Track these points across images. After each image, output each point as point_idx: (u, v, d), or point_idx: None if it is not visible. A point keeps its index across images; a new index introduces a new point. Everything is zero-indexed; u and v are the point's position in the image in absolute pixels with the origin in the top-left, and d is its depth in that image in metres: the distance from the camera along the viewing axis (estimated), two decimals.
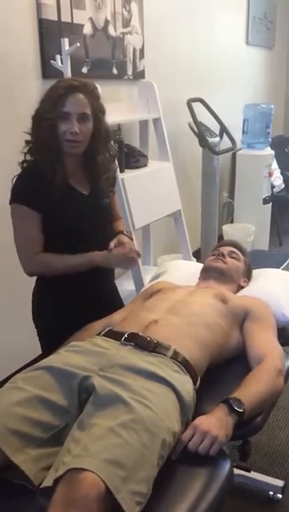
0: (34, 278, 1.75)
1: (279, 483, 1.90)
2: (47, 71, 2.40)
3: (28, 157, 1.62)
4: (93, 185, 1.69)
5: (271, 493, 1.88)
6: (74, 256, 1.63)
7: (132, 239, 1.81)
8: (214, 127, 3.74)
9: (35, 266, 1.64)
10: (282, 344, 1.54)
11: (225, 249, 1.92)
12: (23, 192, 1.58)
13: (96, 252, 1.64)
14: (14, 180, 1.60)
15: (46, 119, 1.52)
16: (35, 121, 1.56)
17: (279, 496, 1.87)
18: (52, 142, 1.54)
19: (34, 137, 1.58)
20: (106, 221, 1.78)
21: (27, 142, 1.60)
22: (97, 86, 1.61)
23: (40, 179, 1.55)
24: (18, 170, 1.63)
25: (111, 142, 1.72)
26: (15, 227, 1.63)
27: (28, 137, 1.60)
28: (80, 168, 1.67)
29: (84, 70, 2.64)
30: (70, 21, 2.50)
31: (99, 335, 1.47)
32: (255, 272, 1.98)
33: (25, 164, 1.62)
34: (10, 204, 1.61)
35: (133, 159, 2.79)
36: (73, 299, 1.68)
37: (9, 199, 1.61)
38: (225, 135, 3.79)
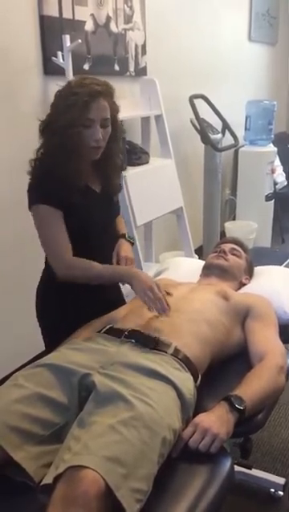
0: (36, 276, 1.75)
1: (281, 480, 1.90)
2: (49, 67, 2.40)
3: (39, 155, 1.57)
4: (104, 183, 1.68)
5: (272, 490, 1.88)
6: (107, 266, 1.60)
7: (132, 244, 1.80)
8: (216, 123, 3.73)
9: (70, 268, 1.56)
10: (284, 342, 1.54)
11: (227, 247, 1.91)
12: (44, 192, 1.53)
13: (134, 270, 1.58)
14: (31, 181, 1.55)
15: (74, 126, 1.47)
16: (58, 128, 1.49)
17: (281, 493, 1.87)
18: (77, 150, 1.50)
19: (56, 144, 1.51)
20: (114, 217, 1.79)
21: (43, 145, 1.56)
22: (113, 86, 1.57)
23: (59, 180, 1.51)
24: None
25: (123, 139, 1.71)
26: (41, 229, 1.57)
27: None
28: (93, 167, 1.64)
29: (86, 66, 2.64)
30: (71, 17, 2.50)
31: (99, 332, 1.47)
32: (257, 269, 1.97)
33: (37, 163, 1.56)
34: (33, 205, 1.55)
35: (135, 156, 2.79)
36: (77, 296, 1.68)
37: (29, 201, 1.56)
38: (227, 131, 3.77)
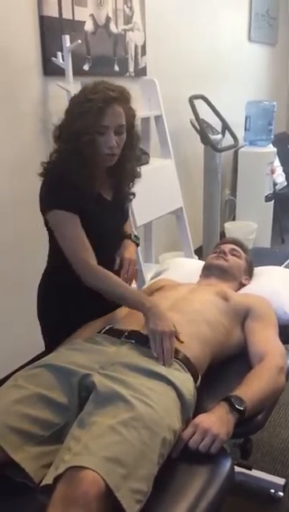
0: (36, 277, 1.75)
1: (281, 481, 1.89)
2: (48, 68, 2.40)
3: (53, 158, 1.54)
4: (116, 190, 1.65)
5: (272, 491, 1.88)
6: (134, 292, 1.55)
7: (138, 245, 1.79)
8: (216, 124, 3.73)
9: (98, 279, 1.50)
10: (284, 342, 1.54)
11: (227, 247, 1.91)
12: (61, 197, 1.50)
13: (156, 307, 1.45)
14: (46, 185, 1.52)
15: (89, 133, 1.44)
16: (72, 135, 1.47)
17: (281, 494, 1.87)
18: (91, 157, 1.48)
19: (69, 150, 1.48)
20: (123, 224, 1.77)
21: (57, 150, 1.53)
22: (129, 92, 1.54)
23: (74, 186, 1.48)
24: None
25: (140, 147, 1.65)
26: (60, 234, 1.53)
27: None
28: (106, 174, 1.62)
29: (86, 67, 2.64)
30: (71, 18, 2.50)
31: (99, 332, 1.47)
32: (257, 270, 1.97)
33: (53, 168, 1.53)
34: (50, 210, 1.51)
35: None
36: (77, 296, 1.68)
37: (44, 206, 1.53)
38: (227, 132, 3.78)
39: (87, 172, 1.49)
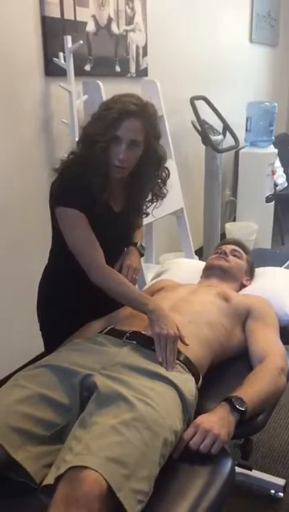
0: (36, 277, 1.75)
1: (281, 482, 1.90)
2: (50, 68, 2.40)
3: (71, 158, 1.55)
4: (127, 204, 1.64)
5: (273, 491, 1.88)
6: (136, 291, 1.55)
7: (142, 254, 1.78)
8: (217, 125, 3.73)
9: (104, 278, 1.51)
10: (285, 343, 1.54)
11: (228, 248, 1.91)
12: (73, 196, 1.50)
13: (159, 308, 1.45)
14: (58, 183, 1.53)
15: (99, 141, 1.44)
16: (87, 138, 1.48)
17: (281, 494, 1.87)
18: (102, 164, 1.48)
19: (85, 154, 1.49)
20: (128, 236, 1.75)
21: (73, 153, 1.54)
22: (156, 110, 1.51)
23: (82, 187, 1.48)
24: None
25: (164, 168, 1.61)
26: (68, 232, 1.53)
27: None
28: (119, 187, 1.61)
29: (87, 67, 2.64)
30: (73, 18, 2.50)
31: (101, 333, 1.47)
32: (258, 271, 1.98)
33: (66, 170, 1.53)
34: (59, 206, 1.51)
35: None
36: (78, 296, 1.68)
37: (54, 202, 1.54)
38: (228, 133, 3.78)
39: (95, 179, 1.48)
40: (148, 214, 1.73)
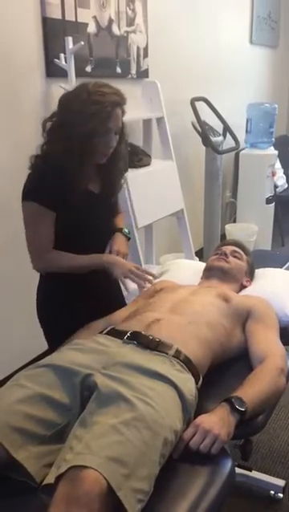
0: (36, 277, 1.76)
1: (281, 483, 1.90)
2: (51, 69, 2.41)
3: (40, 152, 1.58)
4: (105, 185, 1.69)
5: (272, 492, 1.89)
6: (85, 256, 1.64)
7: (129, 238, 1.82)
8: (218, 126, 3.74)
9: (45, 263, 1.65)
10: (285, 344, 1.55)
11: (228, 249, 1.92)
12: (38, 190, 1.55)
13: (112, 256, 1.67)
14: (29, 177, 1.57)
15: (96, 136, 1.50)
16: (81, 135, 1.49)
17: (280, 495, 1.88)
18: (87, 156, 1.53)
19: (66, 147, 1.50)
20: (113, 216, 1.80)
21: (47, 143, 1.56)
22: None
23: (59, 182, 1.52)
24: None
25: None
26: (27, 225, 1.61)
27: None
28: (95, 169, 1.66)
29: (88, 69, 2.65)
30: (74, 19, 2.51)
31: (101, 333, 1.48)
32: (258, 272, 1.98)
33: (40, 162, 1.56)
34: (24, 200, 1.58)
35: (136, 158, 2.79)
36: (78, 296, 1.69)
37: (22, 195, 1.58)
38: (228, 134, 3.79)
39: (83, 170, 1.53)
40: (121, 187, 1.80)
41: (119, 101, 1.52)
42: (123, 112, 1.57)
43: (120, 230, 1.80)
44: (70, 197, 1.54)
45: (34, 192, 1.56)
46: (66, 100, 1.54)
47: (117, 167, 1.67)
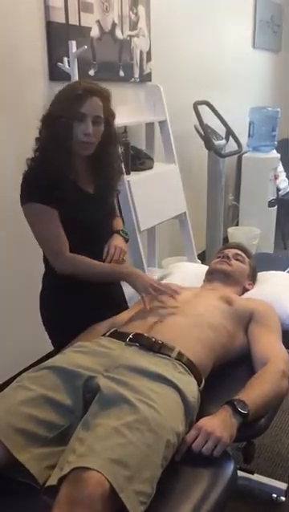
0: (39, 277, 1.76)
1: (283, 486, 1.90)
2: (55, 73, 2.42)
3: (35, 154, 1.61)
4: (99, 185, 1.71)
5: (274, 495, 1.89)
6: (109, 265, 1.66)
7: (127, 240, 1.83)
8: (220, 130, 3.75)
9: (69, 265, 1.62)
10: (287, 346, 1.55)
11: (231, 252, 1.92)
12: (35, 190, 1.57)
13: (134, 270, 1.67)
14: (24, 179, 1.60)
15: (63, 117, 1.53)
16: (50, 119, 1.55)
17: (283, 498, 1.87)
18: (67, 141, 1.55)
19: (48, 135, 1.57)
20: (110, 218, 1.81)
21: (38, 139, 1.60)
22: (111, 93, 1.65)
23: (50, 175, 1.55)
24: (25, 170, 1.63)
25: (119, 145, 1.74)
26: (35, 227, 1.61)
27: (32, 137, 1.61)
28: (87, 169, 1.68)
29: (91, 72, 2.66)
30: (77, 24, 2.52)
31: (104, 335, 1.48)
32: (260, 275, 1.98)
33: (31, 163, 1.61)
34: (25, 204, 1.59)
35: (139, 161, 2.80)
36: (80, 299, 1.69)
37: (21, 199, 1.59)
38: (231, 138, 3.79)
39: (64, 157, 1.55)
40: (119, 191, 1.83)
41: (94, 89, 1.55)
42: (106, 106, 1.59)
43: (118, 232, 1.81)
44: (61, 190, 1.56)
45: (28, 193, 1.58)
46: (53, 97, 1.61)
47: (110, 167, 1.68)
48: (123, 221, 1.95)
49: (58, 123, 1.53)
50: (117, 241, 1.77)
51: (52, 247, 1.62)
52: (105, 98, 1.59)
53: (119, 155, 1.74)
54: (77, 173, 1.64)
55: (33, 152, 1.61)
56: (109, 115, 1.62)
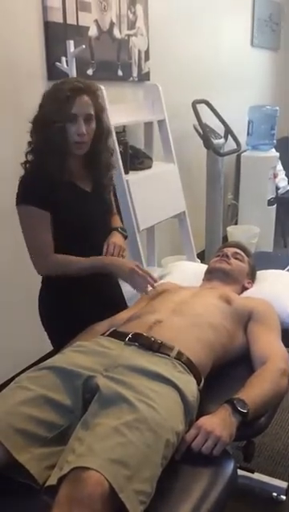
0: (40, 278, 1.76)
1: (283, 484, 1.90)
2: (53, 72, 2.41)
3: (29, 157, 1.62)
4: (95, 182, 1.72)
5: (275, 494, 1.88)
6: (87, 259, 1.65)
7: (126, 237, 1.84)
8: (219, 128, 3.75)
9: (50, 267, 1.65)
10: (286, 345, 1.55)
11: (230, 251, 1.92)
12: (30, 192, 1.59)
13: (113, 258, 1.67)
14: (21, 182, 1.61)
15: (56, 121, 1.52)
16: (43, 123, 1.55)
17: (283, 497, 1.87)
18: (61, 144, 1.55)
19: (41, 139, 1.57)
20: (108, 216, 1.82)
21: (30, 143, 1.61)
22: (99, 87, 1.65)
23: (45, 179, 1.56)
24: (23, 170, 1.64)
25: (111, 139, 1.75)
26: (25, 229, 1.63)
27: (29, 138, 1.61)
28: (82, 167, 1.69)
29: (89, 72, 2.65)
30: (75, 23, 2.52)
31: (103, 335, 1.48)
32: (259, 273, 1.98)
33: (27, 165, 1.62)
34: (18, 205, 1.61)
35: (138, 160, 2.80)
36: (79, 298, 1.69)
37: (16, 200, 1.61)
38: (229, 136, 3.79)
39: (58, 160, 1.56)
40: (113, 185, 1.82)
41: (80, 87, 1.54)
42: (95, 101, 1.58)
43: (117, 229, 1.82)
44: (56, 192, 1.57)
45: (23, 195, 1.59)
46: (41, 99, 1.61)
47: (100, 162, 1.68)
48: (121, 219, 1.96)
49: (50, 128, 1.53)
50: (116, 238, 1.77)
51: (35, 250, 1.64)
52: (93, 93, 1.59)
53: (111, 149, 1.74)
54: (72, 173, 1.65)
55: (25, 156, 1.62)
56: (99, 111, 1.62)
